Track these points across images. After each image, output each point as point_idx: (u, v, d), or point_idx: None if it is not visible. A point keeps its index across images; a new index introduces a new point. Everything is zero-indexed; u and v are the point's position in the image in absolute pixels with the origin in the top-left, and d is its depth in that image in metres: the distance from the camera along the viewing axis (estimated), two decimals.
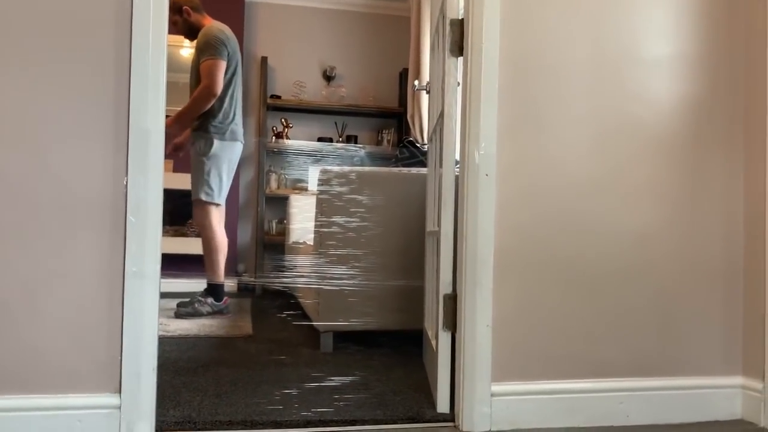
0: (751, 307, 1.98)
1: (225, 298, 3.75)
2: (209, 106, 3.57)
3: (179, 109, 3.61)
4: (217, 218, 3.69)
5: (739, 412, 1.98)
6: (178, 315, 3.59)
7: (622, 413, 1.90)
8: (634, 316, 1.94)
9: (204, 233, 3.70)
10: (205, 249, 3.70)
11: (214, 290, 3.71)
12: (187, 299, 3.73)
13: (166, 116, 1.73)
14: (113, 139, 1.65)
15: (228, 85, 3.67)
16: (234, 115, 3.70)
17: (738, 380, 1.99)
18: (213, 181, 3.62)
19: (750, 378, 1.97)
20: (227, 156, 3.67)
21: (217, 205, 3.68)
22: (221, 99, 3.62)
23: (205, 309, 3.65)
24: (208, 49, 3.58)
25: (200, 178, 3.60)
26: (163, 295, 1.77)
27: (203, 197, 3.60)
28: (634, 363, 1.93)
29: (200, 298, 3.68)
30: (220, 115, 3.63)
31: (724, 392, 1.98)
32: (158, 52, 1.67)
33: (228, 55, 3.62)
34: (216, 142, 3.61)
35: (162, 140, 1.69)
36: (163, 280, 1.71)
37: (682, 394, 1.94)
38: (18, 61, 1.60)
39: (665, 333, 1.96)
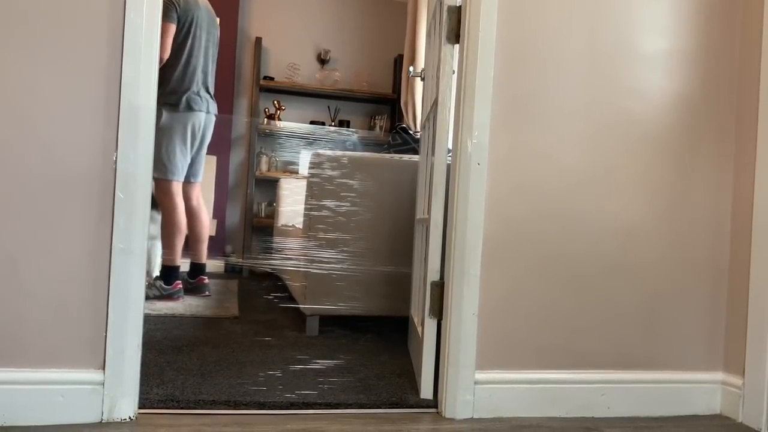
0: (735, 304, 2.00)
1: (177, 282, 3.52)
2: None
3: None
4: (176, 196, 3.47)
5: (719, 407, 2.01)
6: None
7: (603, 405, 1.92)
8: (619, 309, 1.95)
9: (162, 212, 3.50)
10: (163, 228, 3.51)
11: (166, 273, 3.52)
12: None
13: None
14: (104, 113, 1.63)
15: (180, 49, 3.40)
16: (192, 83, 3.43)
17: (718, 376, 2.02)
18: (165, 156, 3.38)
19: (730, 374, 1.99)
20: (181, 127, 3.41)
21: (176, 182, 3.46)
22: (172, 66, 3.38)
23: (152, 292, 3.45)
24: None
25: (153, 154, 3.38)
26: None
27: (155, 174, 3.35)
28: (617, 356, 1.95)
29: (150, 281, 3.47)
30: (172, 83, 3.38)
31: (704, 387, 2.00)
32: (151, 28, 1.65)
33: (178, 16, 3.37)
34: (165, 114, 3.35)
35: (153, 116, 1.67)
36: None
37: (663, 388, 1.96)
38: (8, 33, 1.58)
39: (649, 327, 1.98)
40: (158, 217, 3.70)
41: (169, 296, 3.50)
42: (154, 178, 3.40)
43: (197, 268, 3.78)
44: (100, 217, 1.63)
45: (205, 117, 3.53)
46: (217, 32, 3.69)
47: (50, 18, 1.60)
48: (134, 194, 1.64)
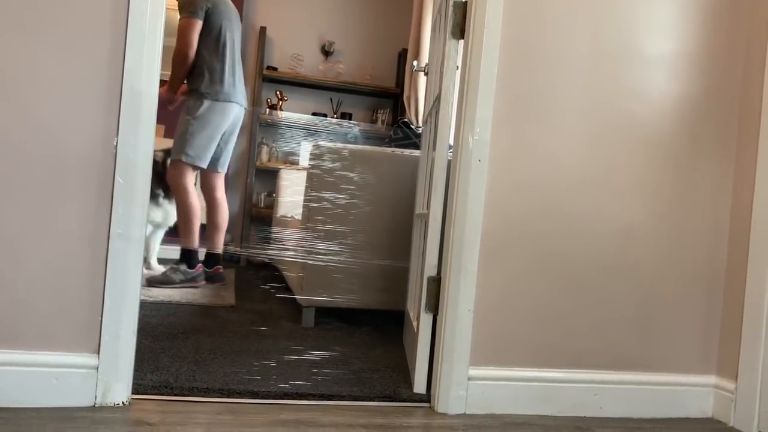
0: (730, 308, 2.00)
1: (198, 265, 3.59)
2: (186, 67, 3.44)
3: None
4: (191, 181, 3.53)
5: (710, 410, 2.01)
6: (149, 283, 3.46)
7: (595, 404, 1.92)
8: (614, 310, 1.96)
9: (177, 196, 3.55)
10: (179, 213, 3.57)
11: (186, 256, 3.56)
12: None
13: (163, 81, 1.71)
14: (105, 98, 1.63)
15: (215, 44, 3.49)
16: (228, 75, 3.51)
17: (711, 379, 2.02)
18: (195, 142, 3.46)
19: (723, 378, 2.00)
20: (217, 119, 3.50)
21: (196, 168, 3.53)
22: (207, 59, 3.47)
23: (177, 277, 3.50)
24: (184, 6, 3.43)
25: (183, 137, 3.46)
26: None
27: (183, 158, 3.45)
28: (611, 356, 1.95)
29: (173, 266, 3.55)
30: (207, 76, 3.46)
31: (697, 390, 2.01)
32: (156, 13, 1.64)
33: (208, 12, 3.45)
34: (206, 103, 3.45)
35: (155, 103, 1.67)
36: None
37: (656, 390, 1.97)
38: (11, 14, 1.57)
39: (644, 329, 1.98)
40: (170, 207, 3.77)
41: (193, 279, 3.55)
42: (179, 161, 3.48)
43: (214, 258, 3.79)
44: (99, 202, 1.63)
45: (238, 109, 3.62)
46: (240, 25, 3.75)
47: (53, 1, 1.59)
48: (134, 180, 1.64)
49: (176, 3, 3.57)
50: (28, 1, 1.57)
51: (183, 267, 3.54)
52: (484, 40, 1.83)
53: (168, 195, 3.87)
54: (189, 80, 3.54)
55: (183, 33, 3.42)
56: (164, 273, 3.54)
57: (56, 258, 1.61)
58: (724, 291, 2.03)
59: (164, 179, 3.83)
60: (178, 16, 3.48)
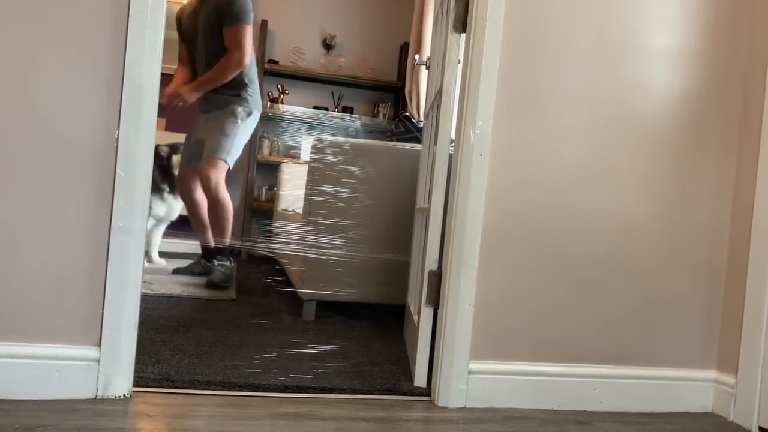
0: (731, 304, 2.00)
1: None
2: (233, 77, 3.40)
3: (185, 70, 3.54)
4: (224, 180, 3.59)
5: (710, 405, 2.02)
6: (213, 285, 3.42)
7: (595, 399, 1.93)
8: (615, 305, 1.96)
9: (217, 193, 3.48)
10: (220, 212, 3.48)
11: (231, 251, 3.60)
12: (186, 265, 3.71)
13: (164, 74, 1.71)
14: (106, 91, 1.62)
15: (251, 53, 3.50)
16: (258, 85, 3.62)
17: (711, 374, 2.02)
18: (238, 145, 3.50)
19: (723, 373, 2.00)
20: (254, 126, 3.59)
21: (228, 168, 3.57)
22: (248, 67, 3.48)
23: (229, 270, 3.54)
24: (238, 13, 3.31)
25: (229, 140, 3.42)
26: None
27: (227, 159, 3.43)
28: (611, 351, 1.96)
29: (220, 263, 3.54)
30: (250, 86, 3.51)
31: (697, 385, 2.01)
32: (157, 7, 1.64)
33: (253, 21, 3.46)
34: (254, 112, 3.51)
35: (156, 96, 1.66)
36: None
37: (656, 384, 1.97)
38: (11, 5, 1.57)
39: (645, 324, 1.98)
40: (174, 202, 3.76)
41: (233, 270, 3.60)
42: (222, 162, 3.43)
43: (213, 252, 3.77)
44: (99, 195, 1.63)
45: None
46: None
47: None
48: (135, 173, 1.64)
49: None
50: None
51: (228, 263, 3.56)
52: (486, 34, 1.82)
53: (173, 190, 3.87)
54: (227, 83, 3.47)
55: (242, 41, 3.33)
56: (220, 272, 3.51)
57: (57, 250, 1.61)
58: (724, 287, 2.03)
59: (169, 174, 3.81)
60: (225, 20, 3.35)
